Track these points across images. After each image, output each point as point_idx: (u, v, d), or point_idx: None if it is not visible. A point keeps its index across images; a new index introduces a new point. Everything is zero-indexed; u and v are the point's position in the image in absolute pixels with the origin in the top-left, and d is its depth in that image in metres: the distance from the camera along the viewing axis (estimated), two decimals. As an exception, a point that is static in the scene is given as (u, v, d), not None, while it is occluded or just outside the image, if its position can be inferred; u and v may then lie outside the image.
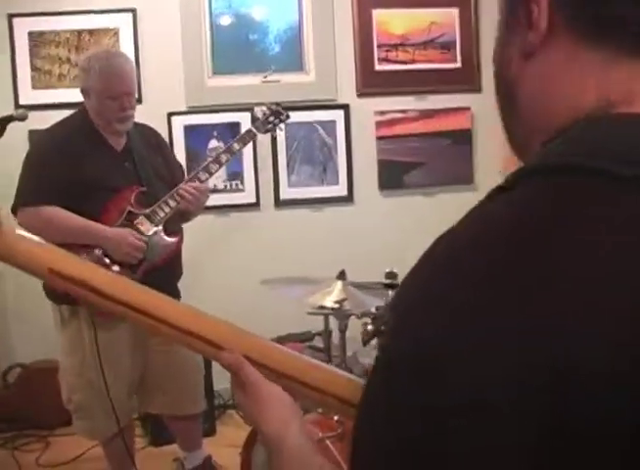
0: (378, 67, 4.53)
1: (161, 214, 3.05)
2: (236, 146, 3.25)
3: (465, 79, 4.63)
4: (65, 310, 3.02)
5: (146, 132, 3.24)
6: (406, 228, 4.56)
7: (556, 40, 0.70)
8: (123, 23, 4.23)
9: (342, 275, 3.13)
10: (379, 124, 4.57)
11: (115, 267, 2.94)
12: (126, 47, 4.19)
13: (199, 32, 4.35)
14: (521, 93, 0.75)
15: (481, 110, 4.67)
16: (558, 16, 0.69)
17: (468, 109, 4.65)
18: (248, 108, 4.36)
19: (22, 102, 4.14)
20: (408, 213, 4.63)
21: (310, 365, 1.12)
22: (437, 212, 4.61)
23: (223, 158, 3.21)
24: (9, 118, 2.50)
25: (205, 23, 4.40)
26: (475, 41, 4.61)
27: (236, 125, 4.38)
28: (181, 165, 3.44)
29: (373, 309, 2.74)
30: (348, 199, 4.60)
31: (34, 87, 4.22)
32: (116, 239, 2.94)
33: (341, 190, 4.58)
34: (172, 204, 3.05)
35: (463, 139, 4.66)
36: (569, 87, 0.70)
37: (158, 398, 3.18)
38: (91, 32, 4.22)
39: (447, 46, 4.59)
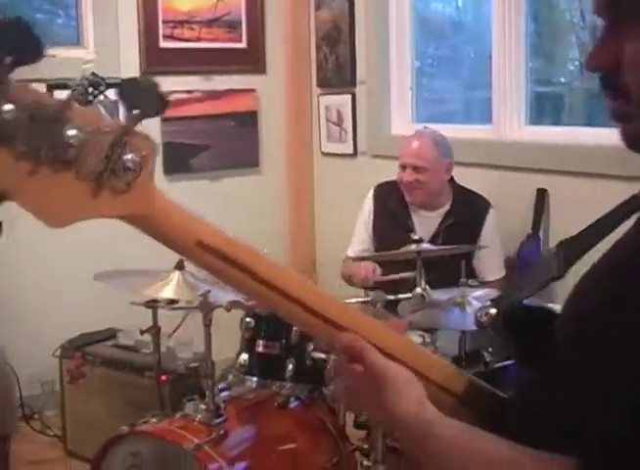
0: (163, 44, 4.28)
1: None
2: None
3: (250, 60, 4.52)
4: None
5: None
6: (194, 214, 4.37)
7: None
8: None
9: (180, 265, 2.92)
10: (163, 105, 4.32)
11: None
12: None
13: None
14: None
15: (266, 91, 4.59)
16: None
17: (253, 90, 4.55)
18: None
19: None
20: (195, 199, 4.38)
21: (421, 350, 1.09)
22: (224, 197, 4.48)
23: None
24: None
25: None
26: (260, 22, 4.50)
27: None
28: None
29: (242, 299, 2.56)
30: (132, 184, 4.30)
31: None
32: None
33: (124, 175, 4.28)
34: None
35: (249, 121, 4.55)
36: None
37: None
38: None
39: (233, 25, 4.44)
